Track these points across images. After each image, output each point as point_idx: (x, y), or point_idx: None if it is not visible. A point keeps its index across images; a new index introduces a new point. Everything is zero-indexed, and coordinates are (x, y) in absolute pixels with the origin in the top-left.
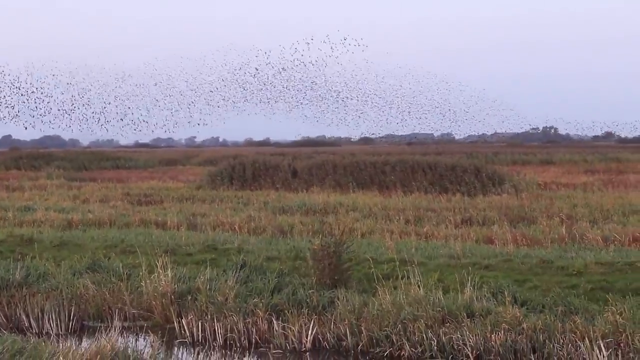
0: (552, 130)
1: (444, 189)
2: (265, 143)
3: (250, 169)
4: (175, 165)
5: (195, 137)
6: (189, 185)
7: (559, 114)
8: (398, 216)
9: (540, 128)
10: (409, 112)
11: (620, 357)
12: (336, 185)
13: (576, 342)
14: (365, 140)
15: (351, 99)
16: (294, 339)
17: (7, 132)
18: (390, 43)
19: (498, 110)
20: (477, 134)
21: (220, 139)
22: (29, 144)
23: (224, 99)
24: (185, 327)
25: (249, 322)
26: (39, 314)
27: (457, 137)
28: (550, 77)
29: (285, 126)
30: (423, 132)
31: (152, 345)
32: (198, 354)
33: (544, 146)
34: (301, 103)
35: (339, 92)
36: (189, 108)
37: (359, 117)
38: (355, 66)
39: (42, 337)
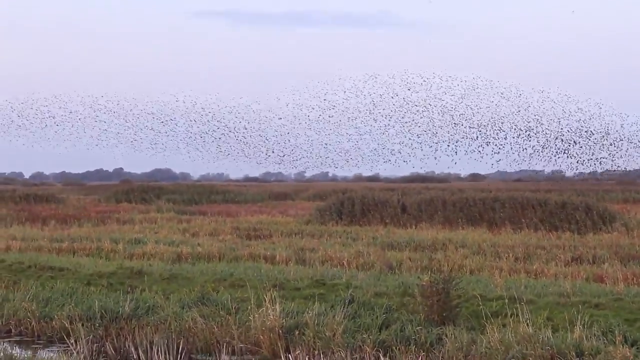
0: None
1: (554, 227)
2: (374, 178)
3: (359, 204)
4: (285, 199)
5: (304, 172)
6: (298, 219)
7: None
8: (507, 253)
9: None
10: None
11: None
12: (445, 221)
13: None
14: (474, 177)
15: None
16: None
17: (118, 165)
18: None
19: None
20: (587, 171)
21: (330, 174)
22: (139, 176)
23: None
24: None
25: (356, 357)
26: (148, 346)
27: (567, 174)
28: None
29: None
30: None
31: None
32: None
33: None
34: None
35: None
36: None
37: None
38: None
39: None
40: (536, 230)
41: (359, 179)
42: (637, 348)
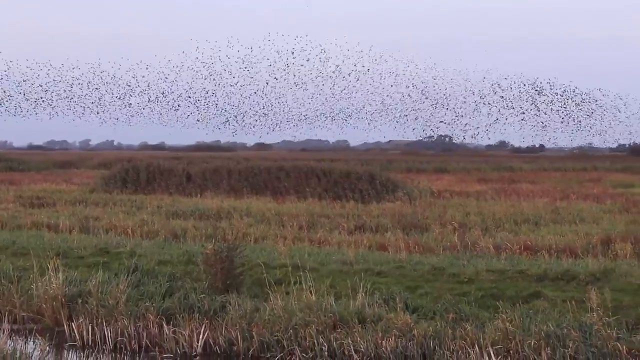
0: (447, 139)
1: (338, 196)
2: (160, 147)
3: (144, 172)
4: (69, 168)
5: (89, 140)
6: (83, 188)
7: (454, 122)
8: (291, 222)
9: (435, 136)
10: (305, 118)
11: None
12: (230, 190)
13: (466, 348)
14: (260, 146)
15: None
16: (184, 344)
17: None
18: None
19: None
20: (372, 142)
21: (115, 142)
22: None
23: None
24: (76, 331)
25: (139, 326)
26: None
27: (352, 144)
28: None
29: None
30: (318, 138)
31: (41, 349)
32: (88, 357)
33: (438, 155)
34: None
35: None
36: None
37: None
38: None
39: None
40: (320, 199)
41: (144, 147)
42: (418, 315)
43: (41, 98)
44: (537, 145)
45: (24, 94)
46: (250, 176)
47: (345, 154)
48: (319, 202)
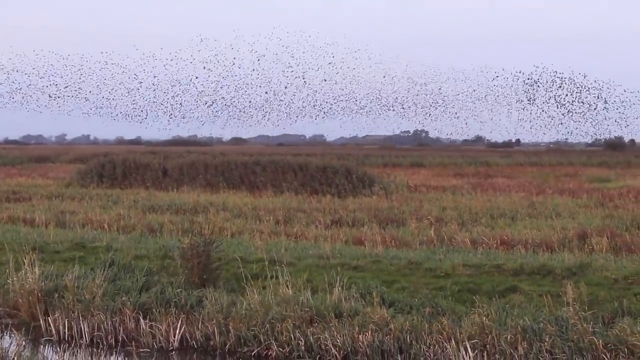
0: (423, 134)
1: (315, 190)
2: (136, 142)
3: (120, 167)
4: (45, 162)
5: (65, 135)
6: (59, 182)
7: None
8: (268, 216)
9: (412, 131)
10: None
11: (486, 358)
12: (207, 184)
13: (443, 343)
14: (236, 141)
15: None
16: (161, 338)
17: None
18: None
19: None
20: (348, 136)
21: (91, 137)
22: None
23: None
24: (52, 325)
25: (116, 320)
26: None
27: (328, 139)
28: None
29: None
30: (295, 133)
31: (17, 344)
32: (64, 352)
33: (415, 149)
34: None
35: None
36: None
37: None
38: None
39: None
40: (297, 194)
41: (120, 142)
42: (395, 309)
43: (18, 91)
44: (513, 140)
45: None
46: (227, 171)
47: (321, 149)
48: (295, 197)
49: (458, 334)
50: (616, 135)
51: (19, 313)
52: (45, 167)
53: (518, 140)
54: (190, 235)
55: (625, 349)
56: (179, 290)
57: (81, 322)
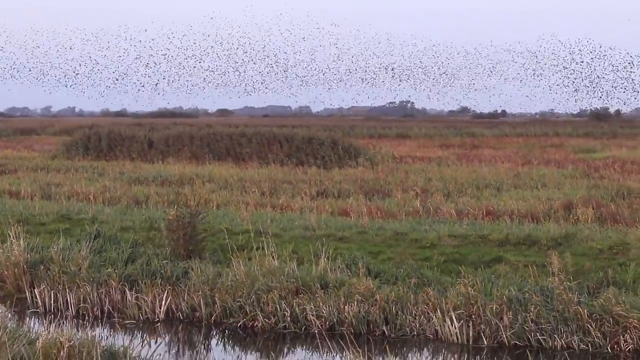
0: (409, 105)
1: (300, 162)
2: (121, 113)
3: (106, 139)
4: (31, 134)
5: (51, 107)
6: (44, 155)
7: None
8: (254, 188)
9: (397, 102)
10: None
11: (471, 328)
12: (192, 156)
13: (428, 313)
14: (222, 112)
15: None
16: (147, 310)
17: None
18: None
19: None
20: (334, 107)
21: (77, 109)
22: None
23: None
24: (38, 297)
25: (102, 292)
26: None
27: (314, 110)
28: None
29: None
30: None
31: (2, 316)
32: (50, 323)
33: (401, 120)
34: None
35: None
36: None
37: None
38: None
39: None
40: (282, 165)
41: (106, 114)
42: (380, 280)
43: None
44: (499, 111)
45: None
46: (212, 142)
47: (307, 120)
48: (281, 168)
49: (444, 305)
50: (602, 106)
51: (4, 285)
52: (30, 140)
53: (504, 111)
54: (175, 207)
55: (610, 319)
56: (164, 261)
57: (67, 293)
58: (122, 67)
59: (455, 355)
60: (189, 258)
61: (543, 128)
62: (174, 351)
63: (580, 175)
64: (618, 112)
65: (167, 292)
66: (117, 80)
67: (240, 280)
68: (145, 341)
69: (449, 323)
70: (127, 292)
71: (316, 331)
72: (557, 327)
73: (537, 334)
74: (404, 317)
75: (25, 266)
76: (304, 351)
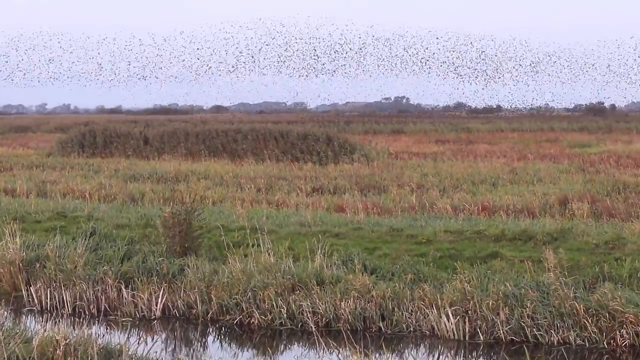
0: (404, 100)
1: (296, 158)
2: (117, 111)
3: (101, 136)
4: (26, 132)
5: (46, 104)
6: (40, 152)
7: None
8: (249, 184)
9: (392, 98)
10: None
11: (467, 324)
12: (188, 153)
13: (424, 309)
14: (217, 109)
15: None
16: (143, 307)
17: None
18: None
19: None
20: (329, 104)
21: (72, 106)
22: None
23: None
24: (34, 295)
25: (98, 290)
26: None
27: (309, 107)
28: None
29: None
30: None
31: None
32: (46, 321)
33: (396, 116)
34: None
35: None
36: None
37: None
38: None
39: None
40: (278, 162)
41: (101, 111)
42: (376, 276)
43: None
44: (494, 106)
45: None
46: (208, 139)
47: (302, 116)
48: (276, 165)
49: (440, 301)
50: (597, 101)
51: (0, 283)
52: (25, 137)
53: (499, 106)
54: (171, 204)
55: (607, 314)
56: (160, 259)
57: (63, 291)
58: (118, 64)
59: (452, 351)
60: (184, 255)
61: (538, 123)
62: (170, 349)
63: (575, 170)
64: (613, 106)
65: (163, 290)
66: (112, 78)
67: (236, 277)
68: (142, 339)
69: (445, 319)
70: (123, 289)
71: (312, 328)
72: (554, 322)
73: (534, 329)
74: (400, 313)
75: (21, 264)
76: (300, 348)
